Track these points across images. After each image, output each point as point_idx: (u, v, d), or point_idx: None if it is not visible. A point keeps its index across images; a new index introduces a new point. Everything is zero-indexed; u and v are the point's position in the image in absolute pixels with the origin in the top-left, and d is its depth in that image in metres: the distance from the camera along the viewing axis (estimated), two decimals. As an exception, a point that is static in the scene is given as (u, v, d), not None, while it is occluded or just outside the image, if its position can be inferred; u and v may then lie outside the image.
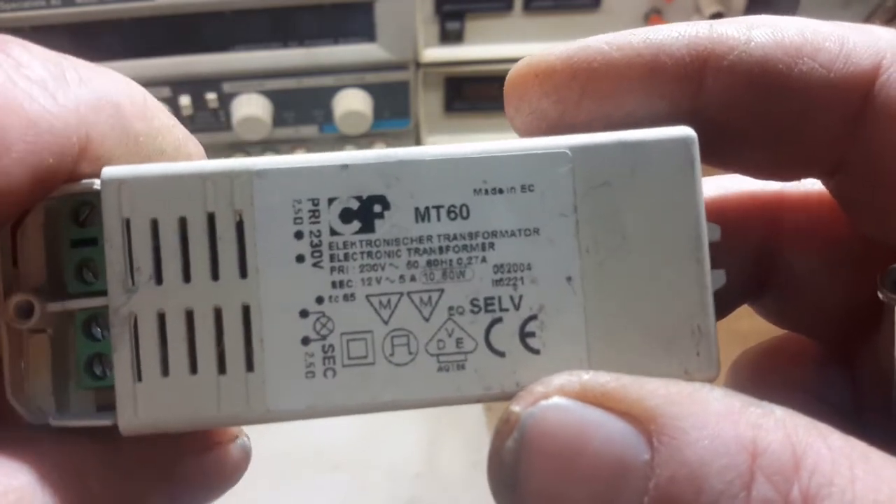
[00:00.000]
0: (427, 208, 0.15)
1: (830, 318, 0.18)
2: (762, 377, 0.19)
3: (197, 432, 0.16)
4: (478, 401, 0.15)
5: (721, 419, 0.12)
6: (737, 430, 0.12)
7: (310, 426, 0.53)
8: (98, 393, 0.15)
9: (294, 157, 0.15)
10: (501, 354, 0.15)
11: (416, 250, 0.15)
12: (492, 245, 0.15)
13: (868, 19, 0.63)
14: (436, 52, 0.67)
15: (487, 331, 0.15)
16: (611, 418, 0.12)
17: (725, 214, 0.18)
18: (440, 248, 0.15)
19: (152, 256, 0.14)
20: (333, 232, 0.14)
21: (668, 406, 0.12)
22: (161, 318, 0.14)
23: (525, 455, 0.13)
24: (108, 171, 0.14)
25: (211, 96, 0.64)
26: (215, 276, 0.14)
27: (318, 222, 0.14)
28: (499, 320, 0.15)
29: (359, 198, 0.14)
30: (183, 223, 0.14)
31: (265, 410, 0.14)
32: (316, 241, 0.14)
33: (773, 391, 0.13)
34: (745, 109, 0.15)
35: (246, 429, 0.17)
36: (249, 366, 0.14)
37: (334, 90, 0.65)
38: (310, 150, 0.69)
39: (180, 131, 0.16)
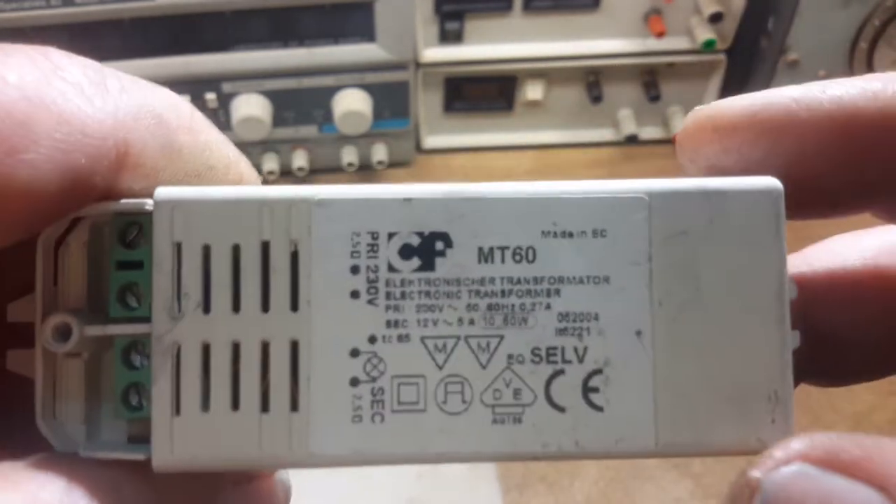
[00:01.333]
0: (491, 249, 0.14)
1: None
2: None
3: None
4: (533, 458, 0.14)
5: None
6: None
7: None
8: (131, 423, 0.14)
9: (356, 187, 0.14)
10: (562, 410, 0.14)
11: (478, 293, 0.14)
12: (557, 292, 0.14)
13: (867, 19, 0.63)
14: (435, 52, 0.67)
15: (548, 383, 0.14)
16: (857, 486, 0.12)
17: None
18: (502, 292, 0.14)
19: (202, 283, 0.13)
20: (392, 268, 0.14)
21: None
22: (206, 349, 0.13)
23: None
24: (162, 192, 0.14)
25: (210, 96, 0.64)
26: (265, 307, 0.14)
27: (377, 257, 0.14)
28: (561, 372, 0.14)
29: (420, 234, 0.14)
30: (236, 250, 0.14)
31: (308, 454, 0.13)
32: (373, 276, 0.14)
33: None
34: None
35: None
36: (294, 405, 0.13)
37: (334, 90, 0.65)
38: (309, 149, 0.69)
39: (231, 150, 0.16)
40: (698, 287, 0.14)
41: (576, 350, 0.14)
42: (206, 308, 0.13)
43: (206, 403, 0.13)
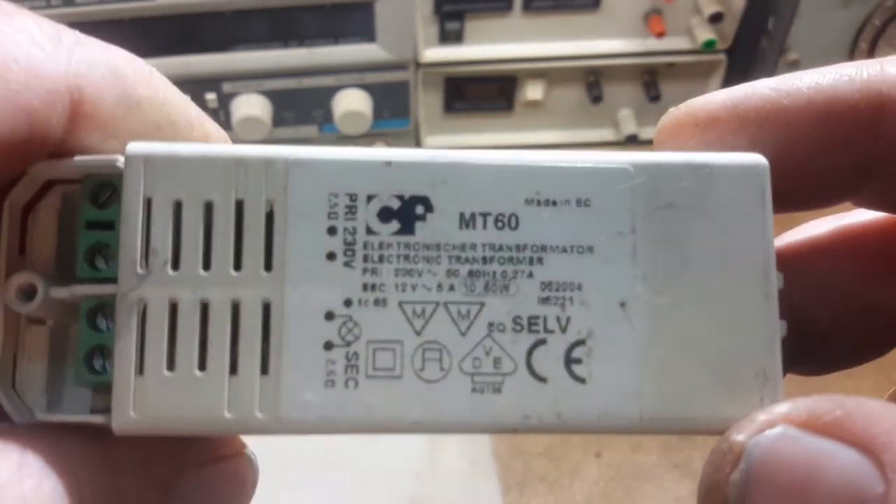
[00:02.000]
0: (473, 214, 0.13)
1: None
2: None
3: (199, 443, 0.15)
4: (513, 430, 0.13)
5: None
6: None
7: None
8: (95, 396, 0.14)
9: (335, 148, 0.14)
10: (543, 380, 0.13)
11: (458, 258, 0.13)
12: (540, 260, 0.13)
13: (867, 19, 0.63)
14: (435, 53, 0.67)
15: (529, 353, 0.13)
16: (843, 448, 0.12)
17: (891, 247, 0.17)
18: (484, 259, 0.13)
19: (171, 240, 0.13)
20: (370, 231, 0.13)
21: None
22: (173, 308, 0.13)
23: (755, 487, 0.12)
24: (134, 147, 0.13)
25: (210, 96, 0.64)
26: (238, 266, 0.13)
27: (354, 219, 0.13)
28: (542, 342, 0.13)
29: (400, 197, 0.13)
30: (209, 208, 0.13)
31: (276, 418, 0.13)
32: (350, 238, 0.13)
33: None
34: None
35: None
36: (264, 368, 0.13)
37: (334, 90, 0.65)
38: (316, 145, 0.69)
39: (194, 109, 0.15)
40: (684, 260, 0.14)
41: (558, 320, 0.13)
42: (175, 265, 0.13)
43: (171, 363, 0.13)
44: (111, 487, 0.13)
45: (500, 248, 0.14)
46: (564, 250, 0.14)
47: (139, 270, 0.13)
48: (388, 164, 0.13)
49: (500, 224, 0.14)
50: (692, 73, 0.70)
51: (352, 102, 0.64)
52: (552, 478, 0.51)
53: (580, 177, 0.14)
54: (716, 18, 0.65)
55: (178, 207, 0.13)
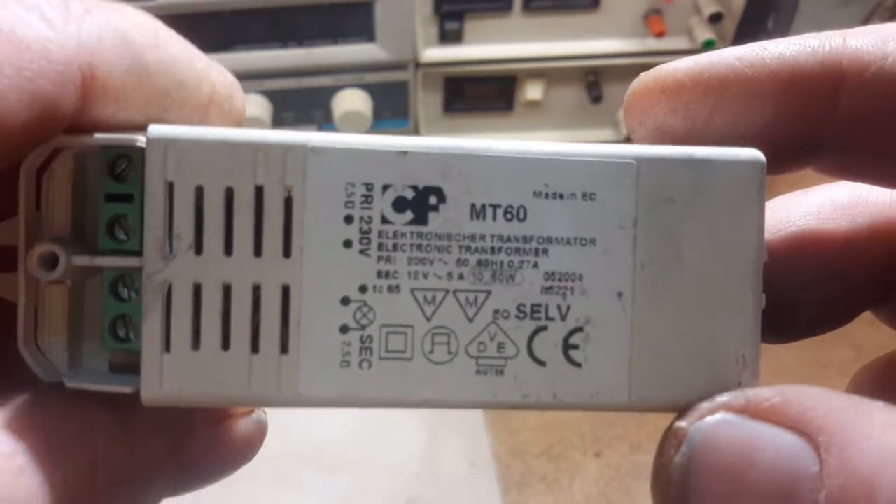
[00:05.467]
0: (484, 206, 0.14)
1: None
2: (886, 391, 0.19)
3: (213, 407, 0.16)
4: (512, 407, 0.14)
5: (886, 428, 0.12)
6: None
7: (310, 424, 0.53)
8: (113, 354, 0.14)
9: (353, 136, 0.14)
10: (542, 364, 0.14)
11: (468, 248, 0.14)
12: (545, 251, 0.14)
13: (867, 19, 0.63)
14: (435, 53, 0.67)
15: (531, 338, 0.14)
16: (779, 431, 0.12)
17: (854, 220, 0.18)
18: (492, 249, 0.14)
19: (194, 225, 0.14)
20: (385, 220, 0.14)
21: (833, 417, 0.12)
22: (197, 290, 0.14)
23: (695, 470, 0.13)
24: (156, 130, 0.13)
25: (210, 96, 0.64)
26: (258, 252, 0.14)
27: (370, 208, 0.14)
28: (543, 328, 0.14)
29: (415, 187, 0.14)
30: (230, 193, 0.14)
31: (295, 395, 0.14)
32: (366, 227, 0.14)
33: None
34: (881, 124, 0.15)
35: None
36: (284, 348, 0.14)
37: (334, 90, 0.65)
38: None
39: (200, 61, 0.15)
40: (679, 253, 0.14)
41: (559, 308, 0.14)
42: (199, 249, 0.14)
43: (196, 342, 0.14)
44: (128, 446, 0.14)
45: (508, 239, 0.14)
46: (568, 242, 0.14)
47: (164, 254, 0.13)
48: (405, 153, 0.14)
49: (509, 216, 0.14)
50: (692, 73, 0.70)
51: (352, 102, 0.64)
52: (552, 478, 0.51)
53: (587, 170, 0.14)
54: (715, 18, 0.65)
55: (199, 192, 0.14)
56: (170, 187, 0.13)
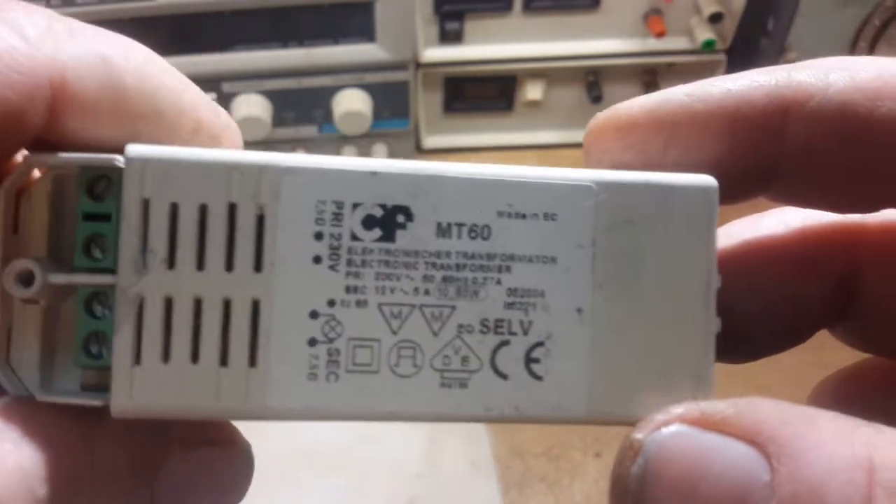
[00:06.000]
0: (449, 224, 0.15)
1: None
2: (846, 403, 0.19)
3: (191, 428, 0.16)
4: (475, 420, 0.15)
5: (835, 438, 0.12)
6: (852, 448, 0.12)
7: (310, 425, 0.53)
8: (86, 373, 0.15)
9: (325, 157, 0.14)
10: (504, 377, 0.15)
11: (434, 265, 0.15)
12: (508, 268, 0.15)
13: (867, 19, 0.63)
14: (435, 53, 0.67)
15: (494, 352, 0.15)
16: (731, 442, 0.13)
17: (807, 242, 0.18)
18: (457, 266, 0.15)
19: (168, 240, 0.14)
20: (354, 237, 0.14)
21: (784, 428, 0.12)
22: (168, 303, 0.14)
23: (650, 480, 0.13)
24: (133, 149, 0.14)
25: (210, 96, 0.64)
26: (229, 266, 0.14)
27: (340, 226, 0.14)
28: (506, 343, 0.15)
29: (383, 206, 0.14)
30: (203, 210, 0.14)
31: (262, 407, 0.14)
32: (335, 244, 0.14)
33: (857, 416, 0.13)
34: (827, 153, 0.15)
35: (246, 428, 0.16)
36: (252, 361, 0.14)
37: (334, 90, 0.65)
38: (309, 150, 0.69)
39: (190, 97, 0.15)
40: (636, 272, 0.15)
41: (521, 323, 0.15)
42: (171, 264, 0.14)
43: (166, 355, 0.14)
44: (89, 460, 0.14)
45: (473, 257, 0.15)
46: (530, 260, 0.15)
47: (138, 268, 0.14)
48: (374, 174, 0.14)
49: (473, 234, 0.15)
50: (692, 73, 0.70)
51: (352, 102, 0.64)
52: (552, 478, 0.51)
53: (548, 192, 0.15)
54: (715, 18, 0.65)
55: (174, 209, 0.14)
56: (146, 204, 0.14)
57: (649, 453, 0.13)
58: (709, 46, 0.67)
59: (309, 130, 0.67)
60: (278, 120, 0.66)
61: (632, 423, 0.15)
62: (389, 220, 0.14)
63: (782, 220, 0.18)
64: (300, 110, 0.66)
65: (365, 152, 0.69)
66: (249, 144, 0.75)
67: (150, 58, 0.15)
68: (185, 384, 0.14)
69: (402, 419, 0.14)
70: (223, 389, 0.14)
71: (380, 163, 0.15)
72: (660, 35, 0.66)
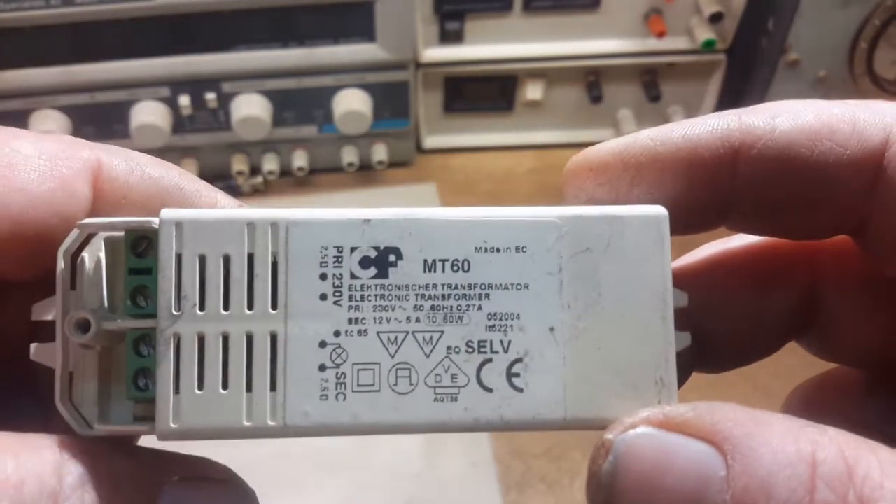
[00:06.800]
0: (434, 261, 0.17)
1: (872, 351, 0.20)
2: (813, 409, 0.22)
3: (179, 461, 0.17)
4: (467, 430, 0.17)
5: (783, 437, 0.14)
6: (798, 445, 0.14)
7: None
8: (136, 406, 0.17)
9: (325, 210, 0.17)
10: (490, 390, 0.17)
11: (423, 296, 0.17)
12: (487, 296, 0.17)
13: (867, 19, 0.63)
14: (435, 53, 0.67)
15: (479, 369, 0.17)
16: (691, 441, 0.14)
17: (772, 262, 0.20)
18: (443, 296, 0.17)
19: (198, 287, 0.16)
20: (353, 276, 0.17)
21: (739, 428, 0.14)
22: (201, 340, 0.16)
23: (620, 474, 0.15)
24: (167, 213, 0.17)
25: (210, 96, 0.64)
26: (251, 306, 0.16)
27: (341, 267, 0.17)
28: (489, 361, 0.17)
29: (377, 248, 0.17)
30: (227, 260, 0.16)
31: (283, 425, 0.16)
32: (338, 282, 0.17)
33: (824, 422, 0.14)
34: (775, 188, 0.17)
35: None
36: (273, 386, 0.16)
37: (334, 90, 0.65)
38: (309, 149, 0.69)
39: (207, 190, 0.19)
40: (599, 293, 0.17)
41: (502, 343, 0.17)
42: (202, 307, 0.16)
43: (201, 384, 0.16)
44: (109, 492, 0.16)
45: (456, 287, 0.17)
46: (506, 287, 0.17)
47: (174, 312, 0.16)
48: (367, 221, 0.17)
49: (455, 268, 0.17)
50: (692, 73, 0.70)
51: (352, 102, 0.64)
52: (552, 478, 0.51)
53: (518, 229, 0.17)
54: (716, 18, 0.65)
55: (202, 260, 0.16)
56: (178, 258, 0.16)
57: (618, 452, 0.15)
58: (709, 46, 0.67)
59: (309, 130, 0.67)
60: (278, 120, 0.66)
61: (604, 427, 0.16)
62: (383, 260, 0.17)
63: (748, 241, 0.21)
64: (300, 110, 0.66)
65: (365, 152, 0.69)
66: (249, 144, 0.75)
67: (176, 169, 0.19)
68: (217, 408, 0.16)
69: (402, 431, 0.16)
70: (249, 412, 0.16)
71: (371, 211, 0.17)
72: (660, 35, 0.66)
